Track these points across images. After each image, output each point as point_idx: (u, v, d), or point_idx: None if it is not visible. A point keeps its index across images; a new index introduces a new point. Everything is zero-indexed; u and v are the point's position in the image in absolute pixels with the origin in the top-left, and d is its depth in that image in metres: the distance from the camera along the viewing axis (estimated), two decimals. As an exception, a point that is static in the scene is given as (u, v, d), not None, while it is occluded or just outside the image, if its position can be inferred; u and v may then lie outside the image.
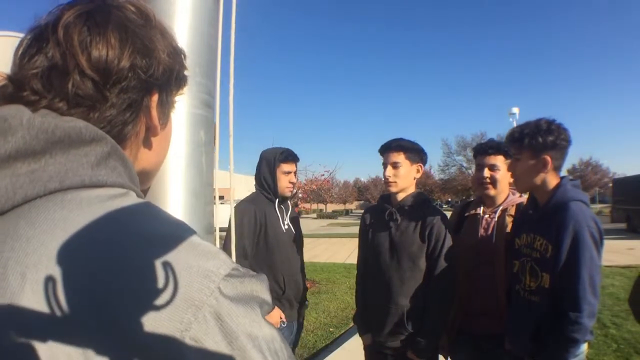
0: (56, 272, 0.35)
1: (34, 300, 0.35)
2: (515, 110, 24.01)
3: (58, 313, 0.34)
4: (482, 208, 2.17)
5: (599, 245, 1.59)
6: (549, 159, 1.70)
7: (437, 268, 1.97)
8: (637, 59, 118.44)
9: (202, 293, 0.37)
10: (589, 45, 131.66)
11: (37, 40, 0.46)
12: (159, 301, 0.35)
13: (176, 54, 0.54)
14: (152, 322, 0.34)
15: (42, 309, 0.34)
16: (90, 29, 0.45)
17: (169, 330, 0.34)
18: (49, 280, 0.35)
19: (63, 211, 0.39)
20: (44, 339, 0.33)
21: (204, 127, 0.93)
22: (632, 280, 7.07)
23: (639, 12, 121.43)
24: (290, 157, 2.48)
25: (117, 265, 0.36)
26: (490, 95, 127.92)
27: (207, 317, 0.36)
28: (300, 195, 10.37)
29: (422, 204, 2.11)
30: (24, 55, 0.46)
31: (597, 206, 54.42)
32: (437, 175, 53.72)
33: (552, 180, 1.73)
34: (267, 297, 0.42)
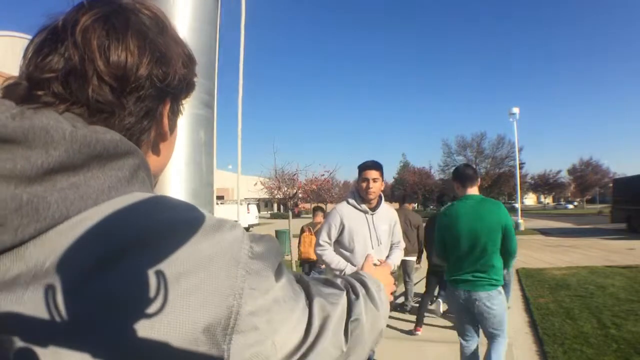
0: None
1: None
2: (516, 110, 23.97)
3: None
4: None
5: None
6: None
7: None
8: (637, 59, 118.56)
9: (235, 279, 0.42)
10: (589, 45, 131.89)
11: (52, 40, 0.45)
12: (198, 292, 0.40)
13: (190, 63, 0.55)
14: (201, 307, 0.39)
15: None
16: (109, 33, 0.45)
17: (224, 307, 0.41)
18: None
19: None
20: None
21: (203, 127, 0.93)
22: (633, 281, 7.10)
23: (639, 12, 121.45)
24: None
25: (137, 269, 0.38)
26: (490, 95, 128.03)
27: (245, 299, 0.42)
28: (300, 195, 10.37)
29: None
30: (37, 54, 0.45)
31: (597, 206, 54.38)
32: (437, 175, 53.77)
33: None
34: (273, 260, 0.47)
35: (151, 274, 0.38)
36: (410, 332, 4.82)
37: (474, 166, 2.93)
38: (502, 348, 2.87)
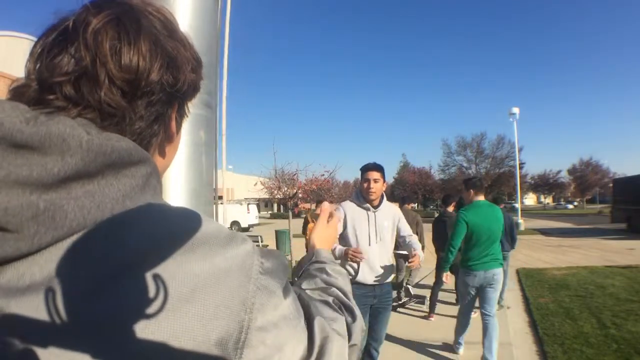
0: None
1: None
2: (516, 110, 23.98)
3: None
4: None
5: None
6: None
7: None
8: (638, 58, 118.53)
9: (247, 293, 0.43)
10: (589, 45, 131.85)
11: (62, 40, 0.44)
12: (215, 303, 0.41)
13: (198, 67, 0.55)
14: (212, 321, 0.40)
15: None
16: (121, 36, 0.44)
17: (236, 321, 0.41)
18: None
19: None
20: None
21: (203, 127, 0.93)
22: (633, 281, 7.10)
23: (639, 12, 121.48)
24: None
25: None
26: (490, 95, 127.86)
27: (255, 314, 0.43)
28: (300, 195, 10.38)
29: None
30: (46, 54, 0.45)
31: (597, 206, 54.31)
32: (437, 175, 53.75)
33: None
34: (277, 284, 0.48)
35: (165, 287, 0.38)
36: (425, 318, 5.51)
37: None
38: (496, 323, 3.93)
